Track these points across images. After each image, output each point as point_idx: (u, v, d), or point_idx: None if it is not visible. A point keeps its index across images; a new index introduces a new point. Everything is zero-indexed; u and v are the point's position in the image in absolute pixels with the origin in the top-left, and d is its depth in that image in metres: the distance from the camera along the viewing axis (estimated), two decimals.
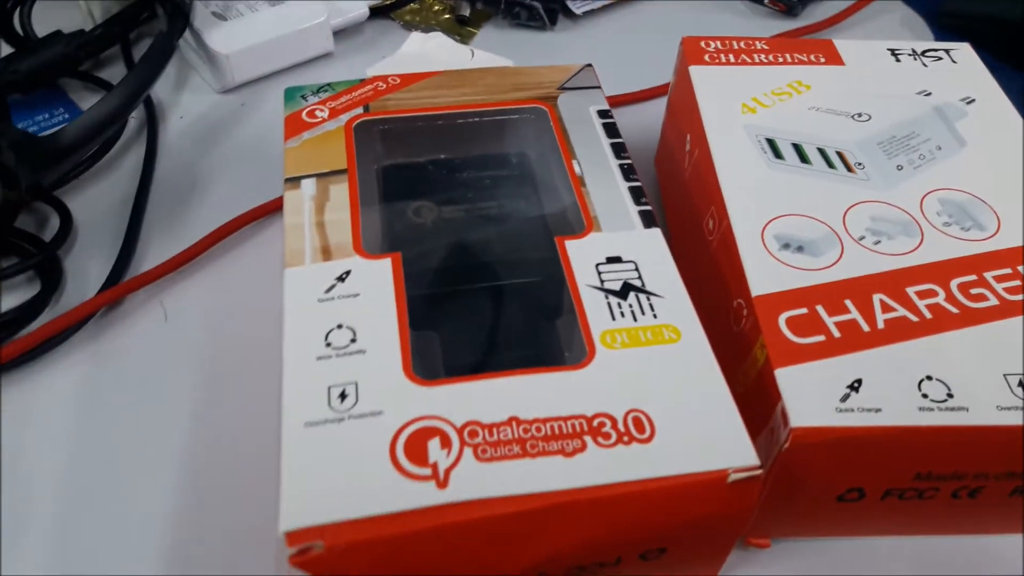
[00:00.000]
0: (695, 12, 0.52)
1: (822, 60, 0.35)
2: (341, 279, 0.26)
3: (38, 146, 0.34)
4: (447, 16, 0.51)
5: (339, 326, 0.25)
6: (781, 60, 0.35)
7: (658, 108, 0.45)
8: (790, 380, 0.24)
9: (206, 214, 0.38)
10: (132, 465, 0.29)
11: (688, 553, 0.25)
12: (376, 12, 0.49)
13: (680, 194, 0.35)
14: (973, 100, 0.34)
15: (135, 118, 0.43)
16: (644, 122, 0.44)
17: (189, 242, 0.36)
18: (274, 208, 0.38)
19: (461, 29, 0.50)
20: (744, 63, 0.35)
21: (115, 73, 0.45)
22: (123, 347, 0.33)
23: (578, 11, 0.50)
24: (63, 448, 0.30)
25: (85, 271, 0.35)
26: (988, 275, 0.27)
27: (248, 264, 0.36)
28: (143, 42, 0.47)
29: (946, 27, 0.51)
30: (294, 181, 0.29)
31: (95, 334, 0.33)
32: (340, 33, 0.48)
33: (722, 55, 0.35)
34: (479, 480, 0.21)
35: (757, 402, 0.25)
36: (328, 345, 0.24)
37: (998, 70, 0.48)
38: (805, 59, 0.35)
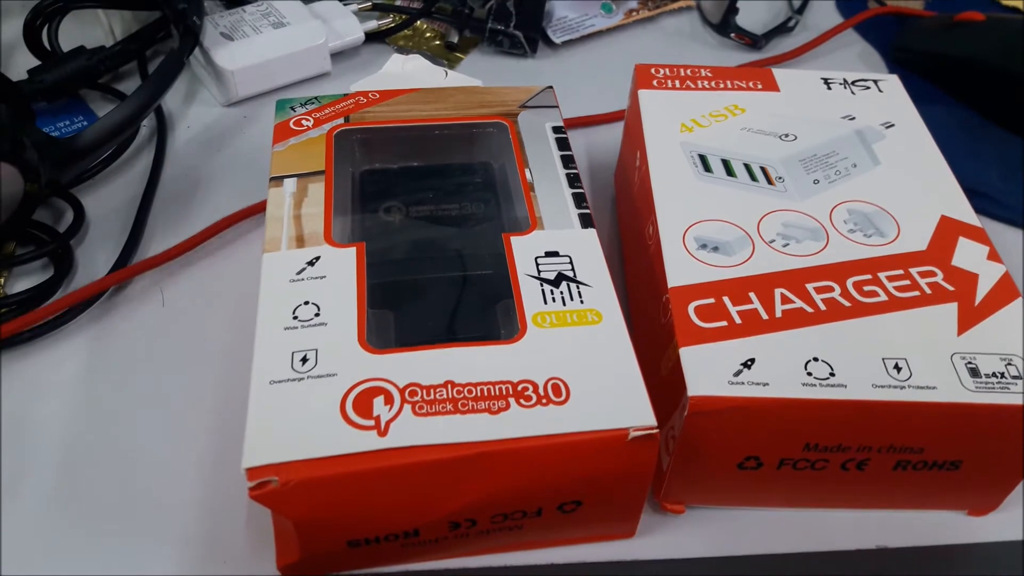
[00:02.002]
0: (666, 45, 0.56)
1: (759, 86, 0.39)
2: (311, 263, 0.30)
3: (58, 147, 0.39)
4: (437, 42, 0.55)
5: (306, 302, 0.29)
6: (722, 86, 0.39)
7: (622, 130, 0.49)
8: (692, 357, 0.28)
9: (206, 213, 0.42)
10: (131, 431, 0.33)
11: (602, 507, 0.28)
12: (371, 37, 0.53)
13: (630, 206, 0.39)
14: (892, 125, 0.37)
15: (146, 126, 0.47)
16: (609, 142, 0.48)
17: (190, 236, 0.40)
18: (263, 208, 0.42)
19: (449, 55, 0.54)
20: (688, 88, 0.39)
21: (131, 86, 0.50)
22: (125, 327, 0.37)
23: (557, 40, 0.54)
24: (68, 416, 0.34)
25: (94, 260, 0.40)
26: (882, 275, 0.31)
27: (239, 257, 0.40)
28: (158, 58, 0.52)
29: (900, 61, 0.55)
30: (278, 180, 0.33)
31: (99, 315, 0.37)
32: (338, 55, 0.52)
33: (669, 80, 0.39)
34: (415, 431, 0.25)
35: (675, 385, 0.29)
36: (295, 318, 0.28)
37: (942, 101, 0.52)
38: (744, 85, 0.39)
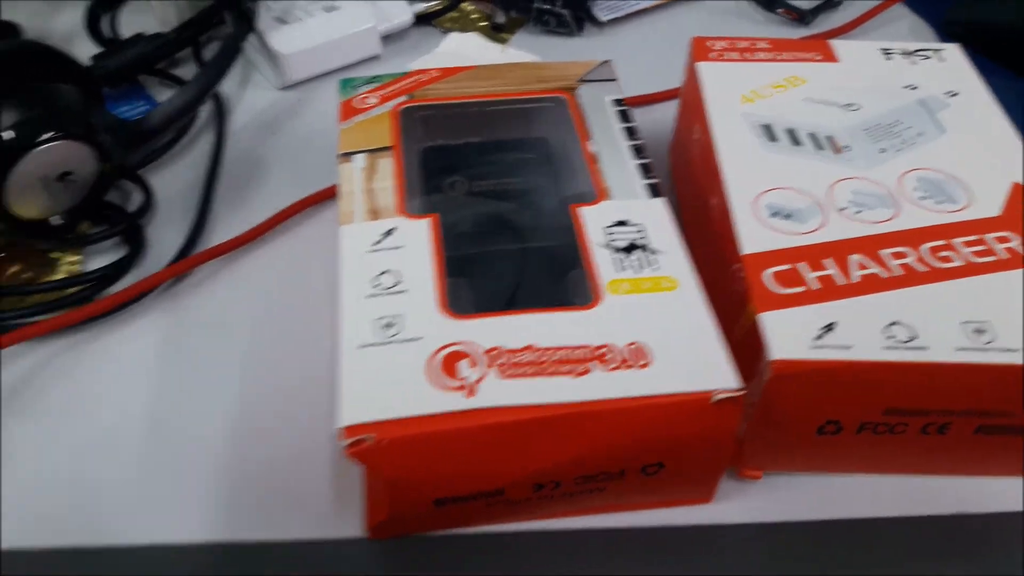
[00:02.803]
0: (712, 21, 0.56)
1: (818, 58, 0.39)
2: (387, 234, 0.31)
3: (127, 129, 0.39)
4: (483, 23, 0.55)
5: (386, 271, 0.29)
6: (780, 58, 0.39)
7: (673, 108, 0.49)
8: (771, 322, 0.28)
9: (268, 194, 0.43)
10: (208, 399, 0.34)
11: (683, 470, 0.28)
12: (420, 19, 0.54)
13: (689, 179, 0.39)
14: (956, 94, 0.37)
15: (204, 110, 0.48)
16: (660, 120, 0.48)
17: (253, 217, 0.41)
18: (326, 196, 0.42)
19: (496, 35, 0.54)
20: (746, 60, 0.39)
21: (187, 71, 0.50)
22: (196, 302, 0.38)
23: (603, 19, 0.54)
24: (142, 388, 0.34)
25: (163, 238, 0.40)
26: (956, 241, 0.31)
27: (303, 236, 0.41)
28: (212, 45, 0.52)
29: (951, 35, 0.55)
30: (347, 156, 0.34)
31: (172, 292, 0.38)
32: (387, 38, 0.52)
33: (727, 53, 0.39)
34: (501, 392, 0.26)
35: (749, 352, 0.29)
36: (376, 286, 0.29)
37: (997, 74, 0.51)
38: (803, 57, 0.39)
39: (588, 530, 0.30)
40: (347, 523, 0.30)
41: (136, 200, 0.42)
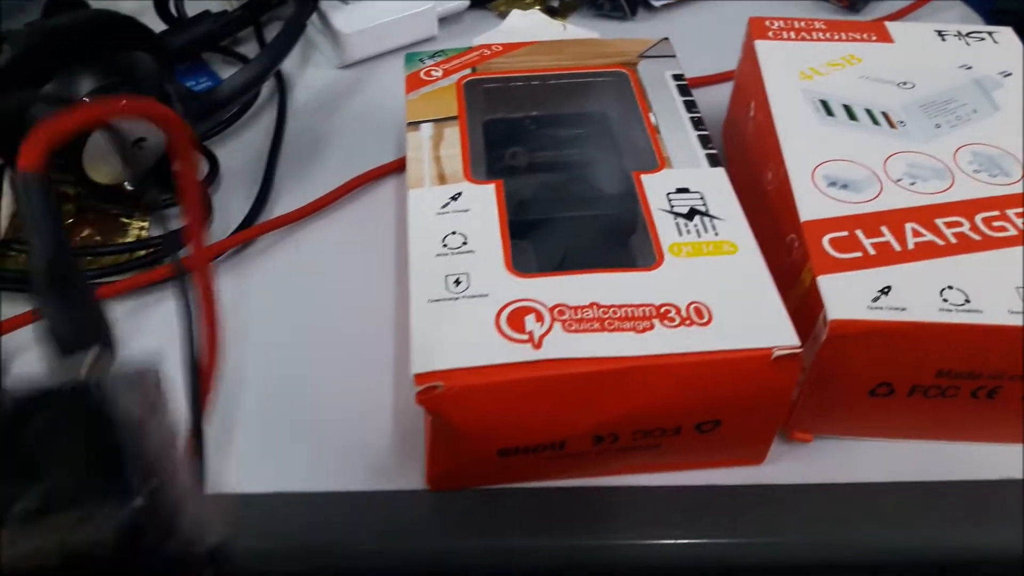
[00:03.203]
0: (763, 7, 0.56)
1: (873, 39, 0.40)
2: (454, 198, 0.32)
3: (197, 100, 0.41)
4: (537, 7, 0.56)
5: (453, 232, 0.30)
6: (836, 38, 0.40)
7: (725, 91, 0.50)
8: (829, 285, 0.29)
9: (328, 168, 0.44)
10: (274, 358, 0.35)
11: (738, 428, 0.29)
12: (475, 3, 0.55)
13: (743, 156, 0.40)
14: (1010, 74, 0.38)
15: (265, 87, 0.49)
16: (711, 103, 0.49)
17: (313, 190, 0.42)
18: (385, 171, 0.44)
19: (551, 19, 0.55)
20: (803, 39, 0.40)
21: (248, 49, 0.52)
22: (263, 268, 0.39)
23: (656, 3, 0.55)
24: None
25: (228, 206, 0.42)
26: (1010, 212, 0.31)
27: (360, 214, 0.42)
28: (273, 24, 0.54)
29: (1000, 23, 0.55)
30: (414, 125, 0.35)
31: (236, 261, 0.40)
32: (443, 20, 0.54)
33: (784, 32, 0.40)
34: (566, 345, 0.27)
35: (803, 318, 0.30)
36: (444, 246, 0.30)
37: None
38: (858, 37, 0.40)
39: (640, 487, 0.31)
40: (408, 476, 0.31)
41: (201, 171, 0.43)
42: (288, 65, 0.51)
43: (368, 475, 0.32)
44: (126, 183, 0.39)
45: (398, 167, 0.44)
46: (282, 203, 0.43)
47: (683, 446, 0.30)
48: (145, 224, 0.41)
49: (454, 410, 0.26)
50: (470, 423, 0.27)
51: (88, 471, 0.17)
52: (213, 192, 0.43)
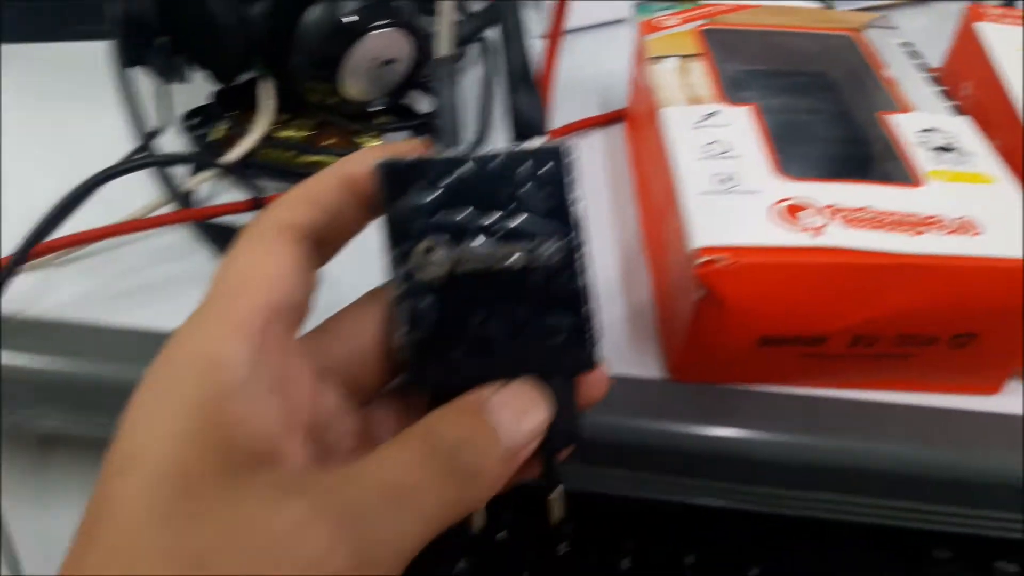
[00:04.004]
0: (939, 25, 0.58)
1: None
2: (710, 116, 0.34)
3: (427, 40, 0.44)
4: None
5: (714, 141, 0.32)
6: None
7: None
8: None
9: None
10: None
11: (990, 346, 0.30)
12: None
13: None
14: None
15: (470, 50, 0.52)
16: None
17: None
18: (592, 123, 0.46)
19: None
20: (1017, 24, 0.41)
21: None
22: None
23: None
24: None
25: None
26: None
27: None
28: None
29: None
30: (657, 59, 0.37)
31: None
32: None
33: (1001, 18, 0.41)
34: (842, 238, 0.28)
35: None
36: (708, 152, 0.32)
37: None
38: None
39: (874, 403, 0.32)
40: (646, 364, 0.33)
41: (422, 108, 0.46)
42: (492, 33, 0.55)
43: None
44: (374, 102, 0.42)
45: (603, 121, 0.46)
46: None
47: (931, 362, 0.30)
48: (375, 144, 0.44)
49: (732, 286, 0.28)
50: (743, 302, 0.28)
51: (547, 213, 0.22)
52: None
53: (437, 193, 0.22)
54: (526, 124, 0.23)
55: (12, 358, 0.33)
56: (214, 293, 0.22)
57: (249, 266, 0.22)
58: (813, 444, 0.31)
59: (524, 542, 0.40)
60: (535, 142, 0.23)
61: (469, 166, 0.22)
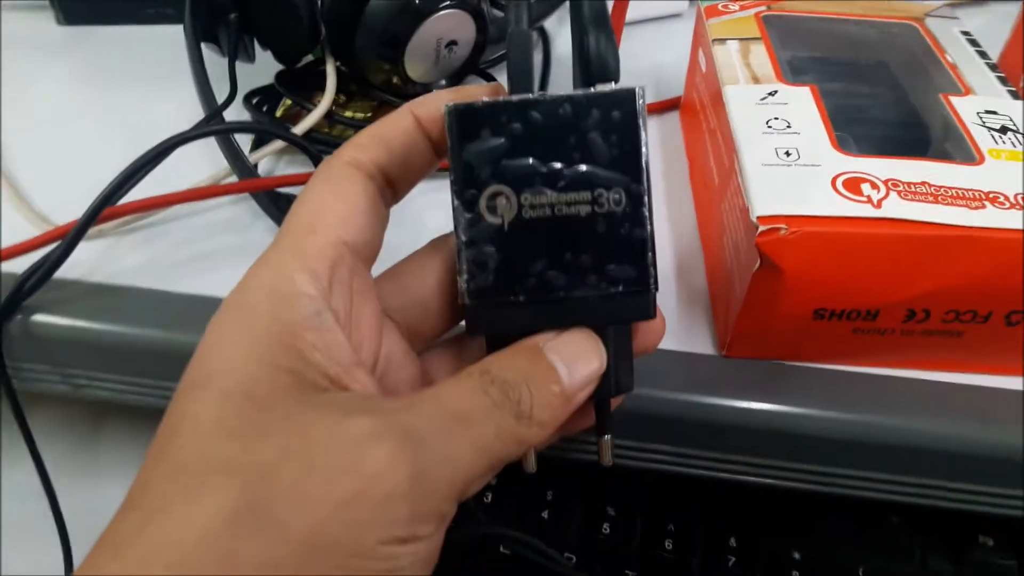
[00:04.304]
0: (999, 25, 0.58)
1: None
2: (771, 94, 0.34)
3: (496, 24, 0.45)
4: None
5: (776, 118, 0.33)
6: None
7: None
8: None
9: None
10: None
11: None
12: None
13: None
14: None
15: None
16: None
17: None
18: (651, 110, 0.47)
19: None
20: None
21: None
22: None
23: None
24: None
25: None
26: None
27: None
28: None
29: None
30: (720, 41, 0.38)
31: None
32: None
33: None
34: (903, 210, 0.28)
35: None
36: (769, 127, 0.32)
37: None
38: None
39: (921, 380, 0.32)
40: (696, 342, 0.33)
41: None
42: (548, 24, 0.55)
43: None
44: (437, 83, 0.43)
45: (657, 108, 0.47)
46: None
47: (983, 340, 0.30)
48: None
49: (791, 256, 0.28)
50: (801, 273, 0.28)
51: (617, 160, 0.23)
52: None
53: (506, 137, 0.23)
54: (601, 67, 0.23)
55: (72, 323, 0.34)
56: (287, 228, 0.23)
57: (321, 203, 0.23)
58: (861, 421, 0.31)
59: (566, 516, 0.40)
60: (607, 86, 0.23)
61: (540, 110, 0.22)
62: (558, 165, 0.23)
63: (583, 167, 0.23)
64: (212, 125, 0.35)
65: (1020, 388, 0.32)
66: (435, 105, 0.23)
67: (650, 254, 0.23)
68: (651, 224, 0.23)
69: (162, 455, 0.20)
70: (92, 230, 0.34)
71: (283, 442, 0.19)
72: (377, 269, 0.26)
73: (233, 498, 0.18)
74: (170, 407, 0.21)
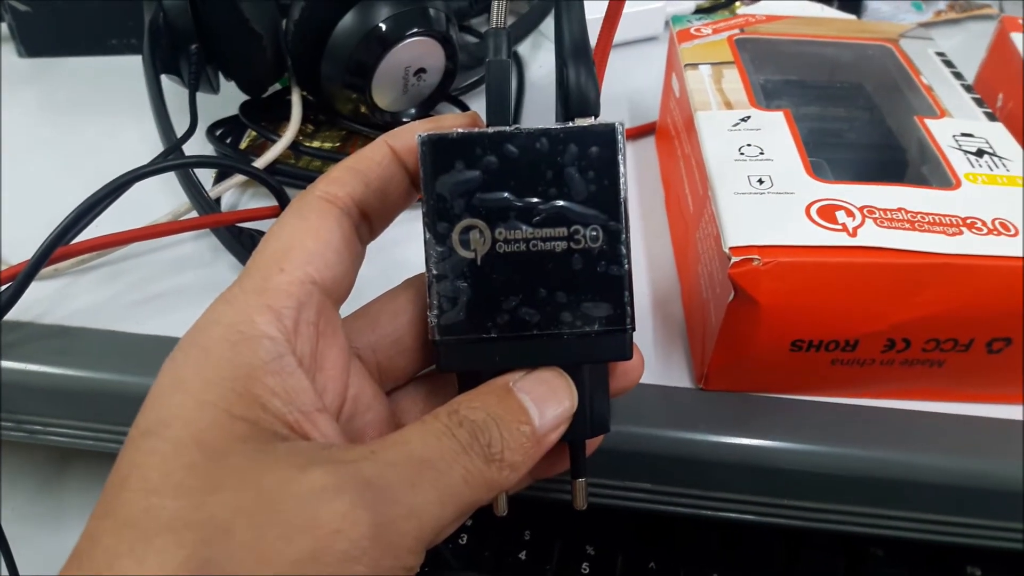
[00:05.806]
0: (970, 45, 0.58)
1: None
2: (744, 120, 0.33)
3: (466, 51, 0.44)
4: None
5: (748, 144, 0.32)
6: None
7: None
8: None
9: None
10: None
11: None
12: (699, 10, 0.58)
13: None
14: None
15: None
16: None
17: None
18: (638, 132, 0.46)
19: None
20: None
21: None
22: None
23: None
24: None
25: None
26: None
27: None
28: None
29: None
30: (693, 66, 0.37)
31: None
32: (666, 23, 0.57)
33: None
34: (879, 238, 0.27)
35: None
36: (742, 154, 0.31)
37: None
38: None
39: (903, 411, 0.31)
40: (672, 375, 0.32)
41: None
42: (522, 48, 0.55)
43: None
44: (406, 112, 0.43)
45: (632, 134, 0.46)
46: None
47: (965, 368, 0.30)
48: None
49: (765, 286, 0.27)
50: (776, 304, 0.28)
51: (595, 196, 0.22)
52: None
53: (481, 170, 0.22)
54: (580, 101, 0.22)
55: (25, 367, 0.32)
56: (254, 265, 0.22)
57: (291, 239, 0.22)
58: (842, 454, 0.30)
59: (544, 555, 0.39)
60: (587, 121, 0.22)
61: (516, 143, 0.22)
62: (534, 200, 0.22)
63: (560, 202, 0.22)
64: (170, 160, 0.34)
65: (1004, 416, 0.31)
66: (411, 136, 0.23)
67: (627, 293, 0.22)
68: (629, 262, 0.22)
69: (110, 509, 0.19)
70: (47, 269, 0.33)
71: (236, 497, 0.18)
72: (350, 302, 0.25)
73: (182, 558, 0.17)
74: (120, 456, 0.20)
